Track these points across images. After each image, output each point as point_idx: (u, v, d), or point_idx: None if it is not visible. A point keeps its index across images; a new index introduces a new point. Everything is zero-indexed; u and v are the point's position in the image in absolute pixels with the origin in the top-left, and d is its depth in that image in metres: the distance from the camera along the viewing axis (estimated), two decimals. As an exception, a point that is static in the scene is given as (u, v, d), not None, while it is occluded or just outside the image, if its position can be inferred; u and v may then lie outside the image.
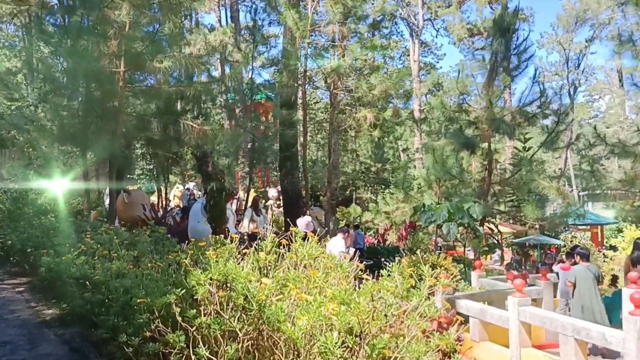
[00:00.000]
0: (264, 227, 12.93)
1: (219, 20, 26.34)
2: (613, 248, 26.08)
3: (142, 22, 9.81)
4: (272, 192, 23.38)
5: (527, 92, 11.72)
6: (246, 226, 10.68)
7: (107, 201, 13.82)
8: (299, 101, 20.16)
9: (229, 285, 2.99)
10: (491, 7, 34.58)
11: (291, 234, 3.94)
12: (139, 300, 3.25)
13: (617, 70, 54.82)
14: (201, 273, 2.96)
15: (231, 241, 3.94)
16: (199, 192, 29.25)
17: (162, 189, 21.49)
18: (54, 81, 11.56)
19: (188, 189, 25.53)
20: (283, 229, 19.80)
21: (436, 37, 74.18)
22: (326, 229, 14.13)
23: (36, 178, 11.62)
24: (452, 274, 8.41)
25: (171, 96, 10.93)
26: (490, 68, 12.43)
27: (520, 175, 12.28)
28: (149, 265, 4.92)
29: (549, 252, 17.17)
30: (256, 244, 4.12)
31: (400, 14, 41.03)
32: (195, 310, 3.04)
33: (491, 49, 12.44)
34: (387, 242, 22.06)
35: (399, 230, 23.08)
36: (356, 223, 20.40)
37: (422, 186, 14.33)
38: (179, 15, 10.50)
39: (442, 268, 9.17)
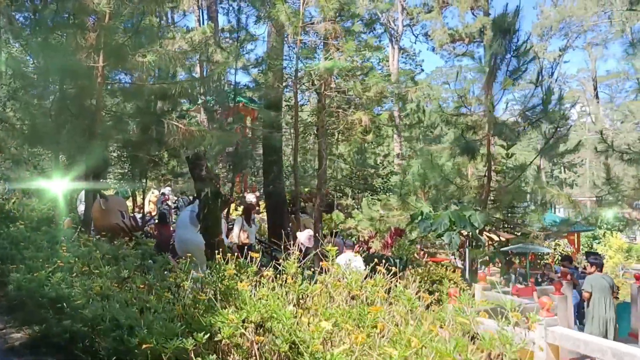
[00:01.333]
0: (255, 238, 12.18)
1: (199, 20, 25.37)
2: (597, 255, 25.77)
3: (124, 13, 8.97)
4: (250, 197, 22.52)
5: (529, 95, 11.28)
6: (236, 236, 9.89)
7: (80, 207, 12.85)
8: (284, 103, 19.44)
9: (264, 325, 2.27)
10: (473, 14, 34.41)
11: (322, 253, 3.24)
12: (144, 346, 2.48)
13: (592, 78, 55.57)
14: (233, 312, 2.22)
15: (250, 260, 3.21)
16: (175, 197, 28.22)
17: (139, 193, 20.48)
18: (25, 77, 10.60)
19: (163, 194, 24.60)
20: (266, 237, 19.06)
21: (415, 43, 74.35)
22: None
23: (4, 182, 10.66)
24: (462, 289, 7.84)
25: (154, 94, 10.11)
26: (489, 70, 11.94)
27: (519, 182, 11.81)
28: (142, 287, 4.14)
29: (545, 262, 16.63)
30: (276, 263, 3.42)
31: (380, 19, 40.77)
32: (215, 357, 2.32)
33: (490, 50, 11.95)
34: (372, 250, 21.46)
35: (383, 237, 22.50)
36: (336, 230, 19.73)
37: (408, 192, 13.72)
38: (164, 7, 9.68)
39: (452, 282, 8.59)
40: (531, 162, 12.17)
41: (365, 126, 12.17)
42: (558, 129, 11.76)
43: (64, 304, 4.76)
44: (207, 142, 8.84)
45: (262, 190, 27.24)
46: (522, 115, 11.16)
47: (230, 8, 32.94)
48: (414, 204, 12.06)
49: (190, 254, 5.64)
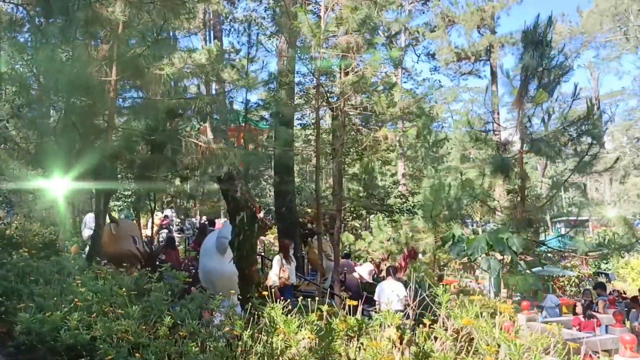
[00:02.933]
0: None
1: (205, 39, 24.96)
2: (606, 275, 24.97)
3: (139, 23, 8.32)
4: (257, 217, 21.82)
5: (566, 111, 10.67)
6: (276, 276, 8.85)
7: (85, 232, 12.01)
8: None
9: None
10: (479, 32, 34.09)
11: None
12: None
13: (595, 97, 55.29)
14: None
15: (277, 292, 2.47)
16: (178, 220, 27.50)
17: (143, 216, 19.69)
18: (29, 93, 9.88)
19: (166, 216, 23.99)
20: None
21: (417, 62, 74.43)
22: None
23: (5, 205, 9.90)
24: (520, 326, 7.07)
25: (170, 110, 9.42)
26: (520, 85, 11.34)
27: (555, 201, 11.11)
28: (183, 335, 3.37)
29: (586, 288, 15.78)
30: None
31: (383, 39, 40.55)
32: None
33: (521, 63, 11.37)
34: (384, 274, 20.71)
35: (395, 260, 21.72)
36: (346, 252, 19.07)
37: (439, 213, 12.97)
38: (179, 17, 9.04)
39: (503, 315, 7.77)
40: (565, 180, 11.49)
41: (392, 143, 11.53)
42: (592, 145, 11.16)
43: (85, 353, 4.00)
44: (230, 161, 8.13)
45: (265, 211, 26.49)
46: (560, 131, 10.52)
47: (232, 29, 32.59)
48: (442, 227, 11.35)
49: (225, 287, 4.88)
